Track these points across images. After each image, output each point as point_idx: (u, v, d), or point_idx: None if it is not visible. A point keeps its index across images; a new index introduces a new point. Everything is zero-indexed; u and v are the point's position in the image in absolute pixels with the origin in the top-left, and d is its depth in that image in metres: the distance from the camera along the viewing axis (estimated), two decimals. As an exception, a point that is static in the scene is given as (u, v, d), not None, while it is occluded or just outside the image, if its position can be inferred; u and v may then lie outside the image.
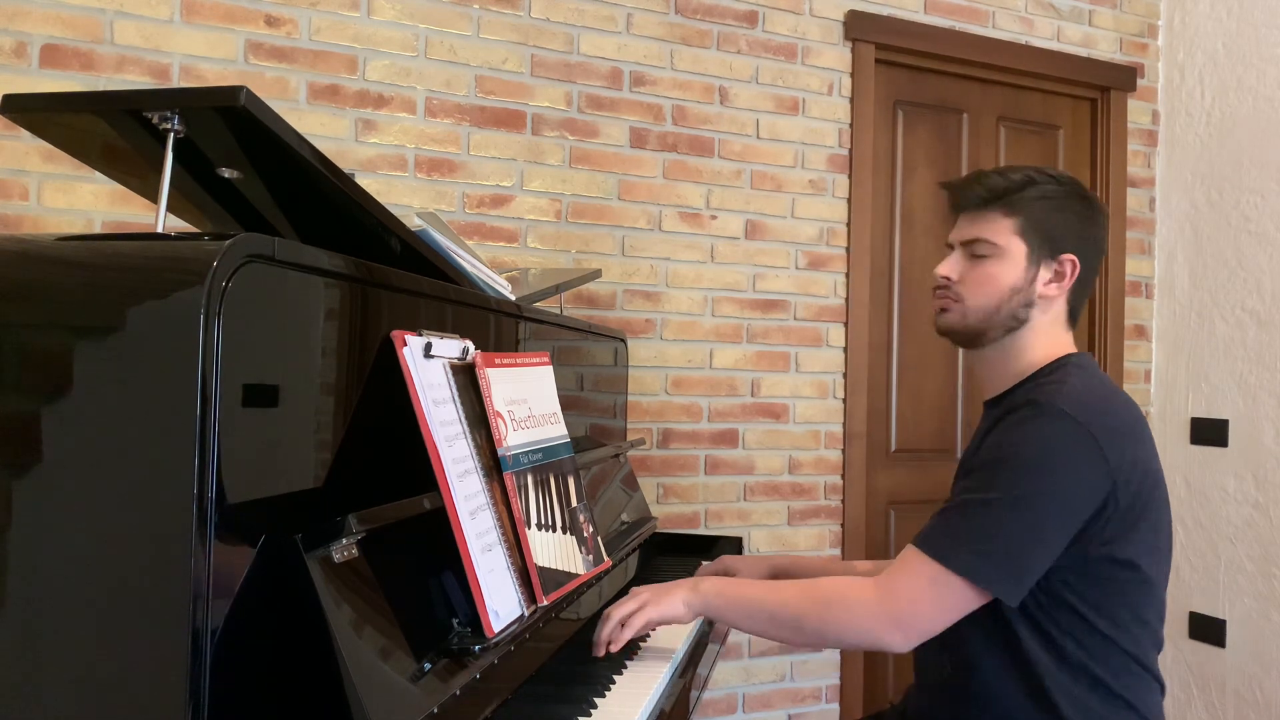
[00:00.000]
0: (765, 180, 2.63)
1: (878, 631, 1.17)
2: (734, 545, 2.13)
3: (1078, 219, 1.27)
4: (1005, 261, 1.26)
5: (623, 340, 2.17)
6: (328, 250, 0.90)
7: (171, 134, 0.87)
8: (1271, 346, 2.80)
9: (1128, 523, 1.17)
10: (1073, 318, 1.32)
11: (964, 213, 1.31)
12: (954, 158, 2.97)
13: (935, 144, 2.94)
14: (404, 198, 2.22)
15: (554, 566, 1.20)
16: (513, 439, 1.19)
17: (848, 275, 2.72)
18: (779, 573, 1.60)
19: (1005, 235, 1.26)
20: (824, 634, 1.21)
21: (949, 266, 1.30)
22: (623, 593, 1.42)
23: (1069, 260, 1.26)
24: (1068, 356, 1.28)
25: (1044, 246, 1.26)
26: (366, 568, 0.88)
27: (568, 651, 1.29)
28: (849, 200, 2.72)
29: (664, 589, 1.29)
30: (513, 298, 1.47)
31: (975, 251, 1.28)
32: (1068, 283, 1.27)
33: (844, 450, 2.73)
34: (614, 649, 1.25)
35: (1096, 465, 1.14)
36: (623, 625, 1.25)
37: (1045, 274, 1.27)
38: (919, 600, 1.16)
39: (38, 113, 0.96)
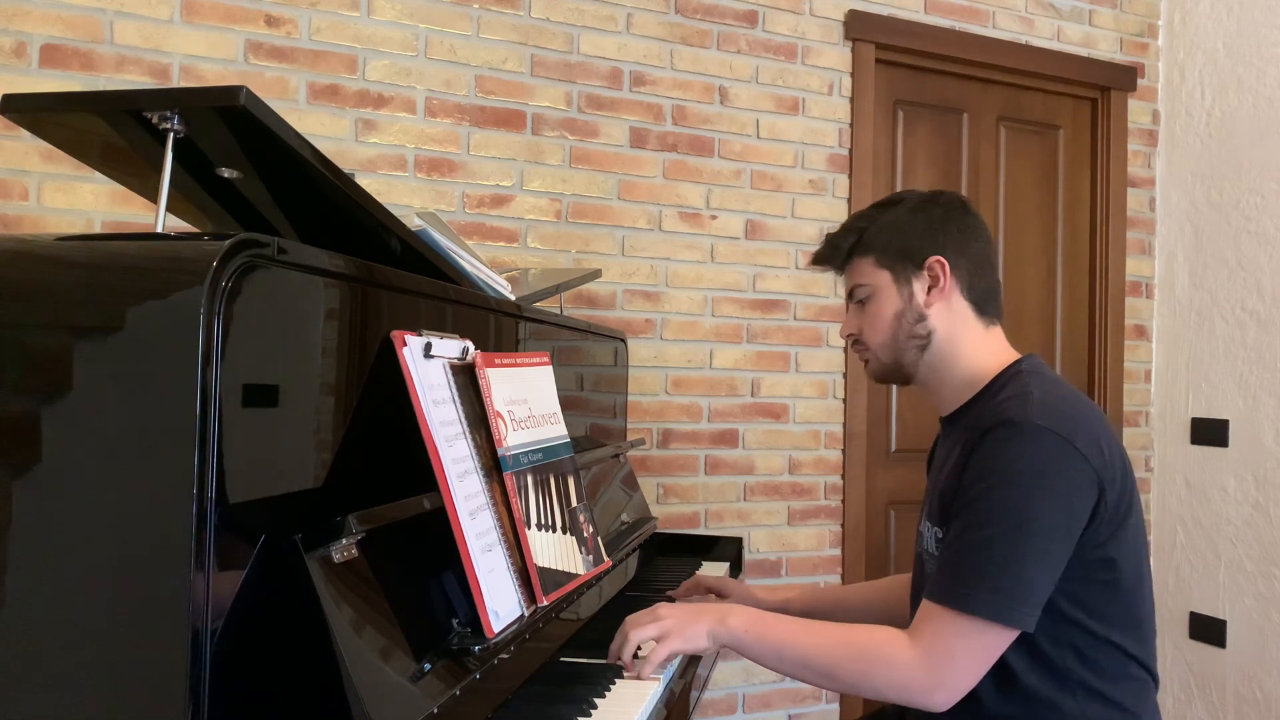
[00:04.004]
0: (765, 180, 2.63)
1: (917, 692, 1.14)
2: (734, 545, 2.13)
3: (926, 224, 1.31)
4: (880, 295, 1.33)
5: (623, 340, 2.17)
6: (328, 250, 0.90)
7: (171, 134, 0.87)
8: (1271, 346, 2.80)
9: (1117, 520, 1.18)
10: (983, 313, 1.32)
11: (839, 274, 1.40)
12: (954, 158, 2.97)
13: (935, 144, 2.94)
14: (404, 198, 2.22)
15: (554, 566, 1.20)
16: (513, 439, 1.19)
17: (848, 275, 2.72)
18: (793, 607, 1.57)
19: (870, 273, 1.34)
20: (859, 687, 1.18)
21: (847, 324, 1.39)
22: (628, 604, 1.39)
23: (935, 262, 1.29)
24: (1018, 363, 1.29)
25: (904, 263, 1.31)
26: (366, 568, 0.88)
27: (568, 651, 1.30)
28: (849, 200, 2.72)
29: (689, 615, 1.23)
30: (513, 298, 1.47)
31: (857, 298, 1.36)
32: (947, 283, 1.29)
33: (844, 450, 2.73)
34: (628, 673, 1.23)
35: (1084, 473, 1.14)
36: (639, 650, 1.22)
37: (920, 286, 1.30)
38: (955, 656, 1.13)
39: (38, 113, 0.96)
